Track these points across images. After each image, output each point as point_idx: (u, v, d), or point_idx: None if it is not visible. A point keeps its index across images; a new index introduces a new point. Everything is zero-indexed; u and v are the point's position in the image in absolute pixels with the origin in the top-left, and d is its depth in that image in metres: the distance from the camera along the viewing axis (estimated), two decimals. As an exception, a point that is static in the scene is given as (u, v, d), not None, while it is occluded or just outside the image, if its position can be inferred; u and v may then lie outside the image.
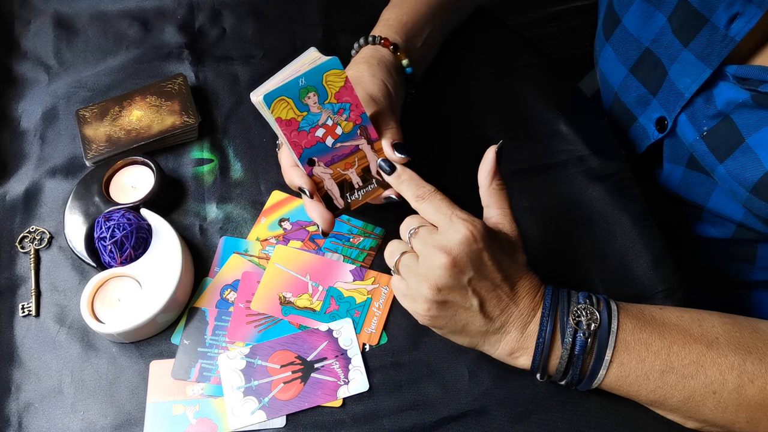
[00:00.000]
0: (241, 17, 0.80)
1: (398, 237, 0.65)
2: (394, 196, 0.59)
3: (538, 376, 0.54)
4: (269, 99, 0.53)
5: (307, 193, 0.56)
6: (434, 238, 0.51)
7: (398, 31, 0.67)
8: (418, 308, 0.52)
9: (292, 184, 0.58)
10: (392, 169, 0.56)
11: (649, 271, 0.62)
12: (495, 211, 0.55)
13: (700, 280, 0.76)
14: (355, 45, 0.67)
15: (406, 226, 0.54)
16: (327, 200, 0.58)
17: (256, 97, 0.53)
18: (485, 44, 0.78)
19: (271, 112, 0.53)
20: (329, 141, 0.56)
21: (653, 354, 0.51)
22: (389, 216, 0.66)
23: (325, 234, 0.57)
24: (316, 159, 0.56)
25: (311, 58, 0.54)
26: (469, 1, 0.78)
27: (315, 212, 0.57)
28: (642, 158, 0.74)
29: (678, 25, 0.63)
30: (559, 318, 0.52)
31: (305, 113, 0.54)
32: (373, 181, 0.59)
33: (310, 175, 0.57)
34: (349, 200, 0.59)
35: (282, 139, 0.56)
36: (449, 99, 0.74)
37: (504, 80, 0.75)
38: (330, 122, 0.55)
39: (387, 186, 0.59)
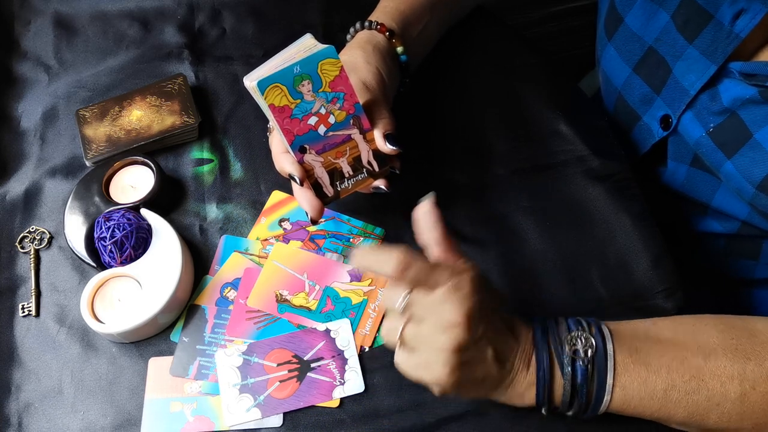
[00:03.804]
0: (241, 17, 0.80)
1: (398, 237, 0.65)
2: (383, 187, 0.59)
3: (543, 410, 0.52)
4: (263, 85, 0.52)
5: (297, 180, 0.56)
6: (438, 298, 0.47)
7: (395, 19, 0.67)
8: (440, 377, 0.48)
9: (282, 171, 0.58)
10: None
11: (649, 271, 0.62)
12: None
13: (702, 278, 0.76)
14: (351, 29, 0.66)
15: (392, 296, 0.49)
16: (317, 188, 0.58)
17: (250, 82, 0.53)
18: (485, 44, 0.78)
19: (265, 99, 0.53)
20: (321, 129, 0.56)
21: (654, 373, 0.50)
22: (389, 216, 0.66)
23: (314, 222, 0.58)
24: (307, 146, 0.56)
25: (306, 45, 0.54)
26: None
27: (304, 199, 0.57)
28: (646, 157, 0.74)
29: (682, 23, 0.63)
30: (552, 348, 0.51)
31: (299, 101, 0.54)
32: (364, 170, 0.59)
33: (301, 162, 0.57)
34: (339, 188, 0.59)
35: (274, 125, 0.56)
36: (449, 98, 0.74)
37: (504, 80, 0.75)
38: (323, 111, 0.55)
39: (377, 176, 0.59)
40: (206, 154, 0.71)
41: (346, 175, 0.58)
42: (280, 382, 0.58)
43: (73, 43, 0.79)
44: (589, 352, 0.50)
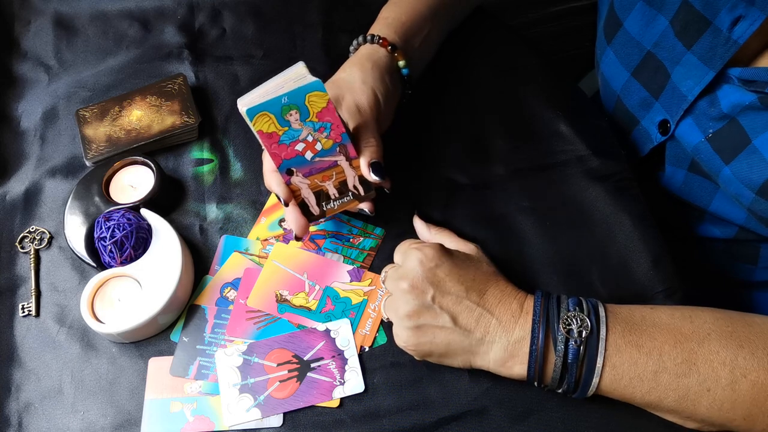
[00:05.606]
0: (241, 17, 0.80)
1: (398, 237, 0.65)
2: (367, 210, 0.62)
3: (536, 384, 0.53)
4: (251, 113, 0.54)
5: (282, 200, 0.59)
6: (395, 272, 0.56)
7: (397, 31, 0.67)
8: (403, 341, 0.55)
9: (269, 188, 0.60)
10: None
11: (649, 272, 0.62)
12: (449, 243, 0.59)
13: (702, 280, 0.76)
14: (354, 42, 0.67)
15: (381, 277, 0.59)
16: (303, 207, 0.60)
17: (242, 106, 0.55)
18: (485, 44, 0.78)
19: (253, 125, 0.55)
20: (308, 155, 0.58)
21: (645, 355, 0.51)
22: (389, 217, 0.66)
23: (298, 239, 0.60)
24: (294, 169, 0.58)
25: (298, 73, 0.55)
26: (469, 1, 0.78)
27: (291, 217, 0.60)
28: (644, 161, 0.74)
29: (681, 28, 0.63)
30: (550, 325, 0.52)
31: (286, 128, 0.56)
32: (350, 193, 0.60)
33: (288, 184, 0.59)
34: (325, 209, 0.61)
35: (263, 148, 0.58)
36: (449, 99, 0.74)
37: (504, 80, 0.75)
38: (310, 138, 0.57)
39: (362, 199, 0.61)
40: (206, 154, 0.71)
41: (332, 197, 0.60)
42: (280, 382, 0.58)
43: (73, 43, 0.79)
44: (584, 333, 0.51)
